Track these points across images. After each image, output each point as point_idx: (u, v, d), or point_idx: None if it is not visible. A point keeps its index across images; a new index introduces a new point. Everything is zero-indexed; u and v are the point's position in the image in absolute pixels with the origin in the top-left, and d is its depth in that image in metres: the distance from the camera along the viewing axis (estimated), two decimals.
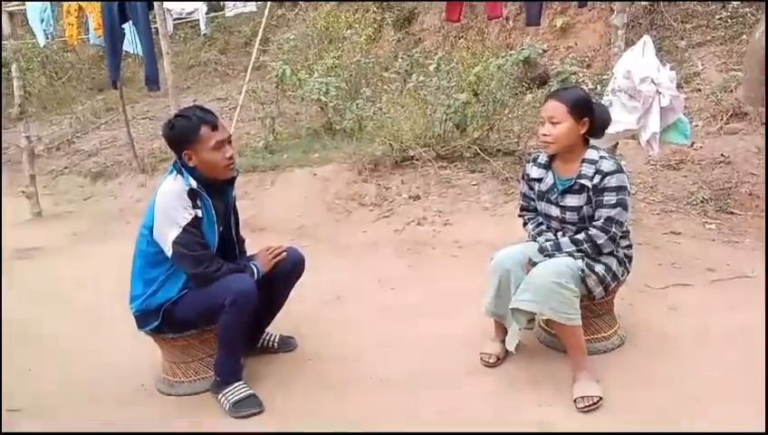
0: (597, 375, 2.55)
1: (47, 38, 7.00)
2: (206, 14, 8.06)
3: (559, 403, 2.47)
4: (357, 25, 8.03)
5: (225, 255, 2.73)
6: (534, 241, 2.79)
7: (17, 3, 6.42)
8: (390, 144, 5.35)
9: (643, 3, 6.75)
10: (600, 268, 2.62)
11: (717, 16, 6.46)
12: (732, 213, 4.16)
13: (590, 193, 2.61)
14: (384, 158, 5.39)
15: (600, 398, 2.43)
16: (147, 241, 2.61)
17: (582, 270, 2.59)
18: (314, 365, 2.94)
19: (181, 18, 8.22)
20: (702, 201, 4.27)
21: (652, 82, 3.25)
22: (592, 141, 2.71)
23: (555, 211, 2.72)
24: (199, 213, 2.57)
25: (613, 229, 2.57)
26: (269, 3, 6.81)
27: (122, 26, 5.71)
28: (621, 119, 3.34)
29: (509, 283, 2.68)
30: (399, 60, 7.17)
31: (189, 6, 7.83)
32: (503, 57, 5.69)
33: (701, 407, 2.38)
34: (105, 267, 4.17)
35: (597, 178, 2.59)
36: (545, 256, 2.64)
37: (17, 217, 6.12)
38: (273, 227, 4.98)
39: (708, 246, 3.85)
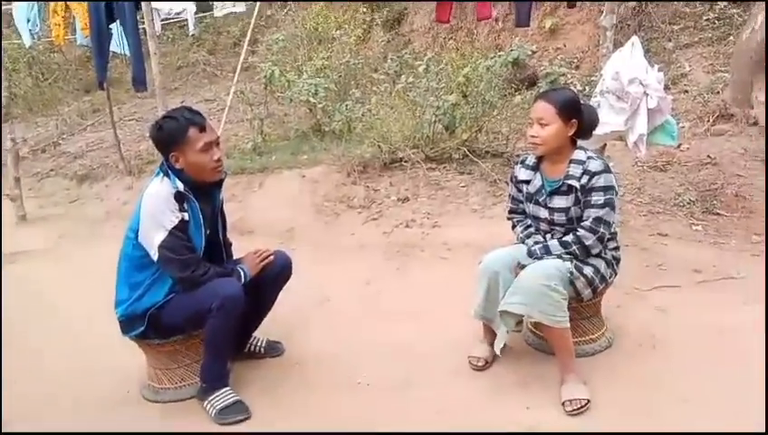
0: (585, 377, 2.56)
1: (33, 38, 6.92)
2: (195, 14, 8.02)
3: (547, 406, 2.47)
4: (346, 26, 8.01)
5: (212, 258, 2.71)
6: (523, 243, 2.80)
7: (3, 2, 6.35)
8: (379, 146, 5.34)
9: (631, 4, 6.78)
10: (588, 270, 2.62)
11: (705, 18, 6.50)
12: (718, 214, 4.18)
13: (578, 193, 2.61)
14: (373, 159, 5.38)
15: (588, 401, 2.43)
16: (132, 244, 2.58)
17: (571, 272, 2.59)
18: (301, 369, 2.92)
19: (169, 18, 8.16)
20: (688, 203, 4.29)
21: (640, 83, 3.26)
22: (580, 142, 2.71)
23: (544, 213, 2.72)
24: (186, 216, 2.55)
25: (601, 230, 2.58)
26: (258, 3, 6.77)
27: (109, 27, 5.67)
28: (609, 120, 3.35)
29: (498, 286, 2.68)
30: (389, 61, 7.16)
31: (178, 6, 7.78)
32: (492, 58, 5.70)
33: (689, 408, 2.39)
34: (91, 271, 4.10)
35: (585, 179, 2.59)
36: (534, 260, 2.64)
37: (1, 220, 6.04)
38: (261, 230, 4.94)
39: (695, 247, 3.87)
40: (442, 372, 2.79)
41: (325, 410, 2.60)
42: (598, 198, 2.57)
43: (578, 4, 6.18)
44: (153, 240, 2.49)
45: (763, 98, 4.88)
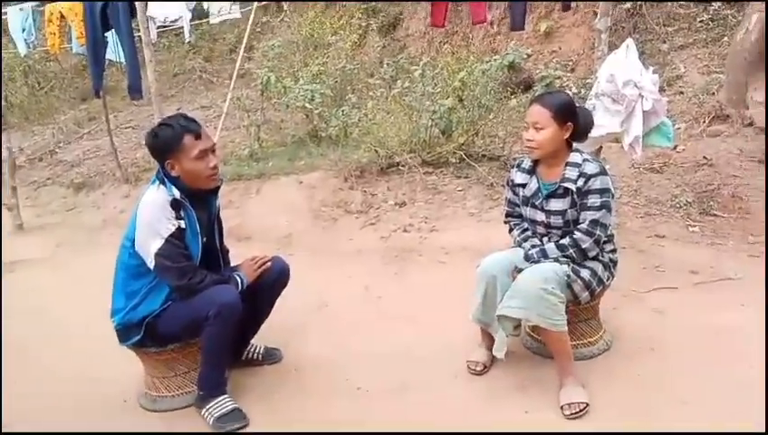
0: (583, 380, 2.55)
1: (28, 47, 6.94)
2: (190, 21, 8.02)
3: (546, 409, 2.47)
4: (342, 32, 8.02)
5: (209, 265, 2.70)
6: (520, 247, 2.80)
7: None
8: (376, 151, 5.34)
9: (625, 6, 6.80)
10: (585, 273, 2.62)
11: (699, 19, 6.51)
12: (715, 215, 4.18)
13: (575, 196, 2.61)
14: (370, 164, 5.38)
15: (587, 404, 2.43)
16: (129, 253, 2.58)
17: (568, 275, 2.59)
18: (299, 376, 2.92)
19: (165, 26, 8.17)
20: (685, 204, 4.29)
21: (635, 85, 3.27)
22: (576, 145, 2.72)
23: (540, 216, 2.72)
24: (182, 224, 2.54)
25: (598, 232, 2.58)
26: (253, 10, 6.78)
27: (105, 35, 5.67)
28: (604, 122, 3.36)
29: (495, 290, 2.67)
30: (384, 66, 7.17)
31: (173, 14, 7.80)
32: (487, 62, 5.71)
33: (688, 409, 2.38)
34: (88, 279, 4.09)
35: (581, 181, 2.59)
36: (531, 263, 2.64)
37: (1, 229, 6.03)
38: (258, 236, 4.94)
39: (692, 248, 3.87)
40: (440, 376, 2.79)
41: (323, 416, 2.59)
42: (594, 200, 2.57)
43: (572, 6, 6.20)
44: (149, 248, 2.49)
45: (759, 98, 4.89)
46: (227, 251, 2.96)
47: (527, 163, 2.79)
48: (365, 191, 5.20)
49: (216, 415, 2.54)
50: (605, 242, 2.68)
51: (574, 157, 2.65)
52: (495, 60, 5.75)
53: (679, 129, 5.06)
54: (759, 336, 2.78)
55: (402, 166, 5.26)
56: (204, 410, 2.57)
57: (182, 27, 6.81)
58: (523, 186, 2.78)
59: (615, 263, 2.76)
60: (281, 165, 5.92)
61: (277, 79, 6.60)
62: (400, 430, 2.43)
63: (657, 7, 6.79)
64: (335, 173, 5.45)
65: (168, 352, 2.67)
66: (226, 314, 2.49)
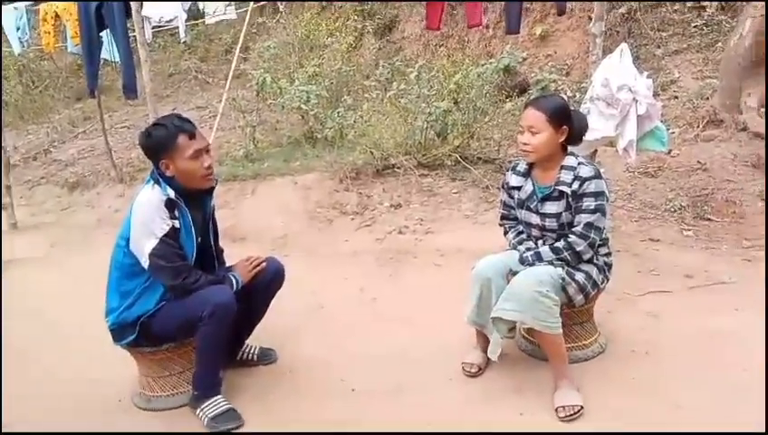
0: (578, 383, 2.56)
1: (23, 46, 6.90)
2: (186, 21, 7.99)
3: (540, 412, 2.48)
4: (338, 33, 8.03)
5: (204, 266, 2.69)
6: (515, 250, 2.80)
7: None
8: (371, 152, 5.35)
9: (620, 11, 6.83)
10: (580, 276, 2.63)
11: (693, 24, 6.55)
12: (709, 219, 4.21)
13: (570, 199, 2.62)
14: (365, 166, 5.38)
15: (582, 407, 2.43)
16: (123, 252, 2.57)
17: (563, 278, 2.59)
18: (294, 377, 2.91)
19: (160, 26, 8.15)
20: (679, 208, 4.31)
21: (629, 89, 3.28)
22: (571, 148, 2.73)
23: (535, 219, 2.72)
24: (177, 224, 2.54)
25: (592, 235, 2.58)
26: (250, 10, 6.77)
27: (100, 34, 5.65)
28: (599, 126, 3.36)
29: (490, 292, 2.67)
30: (380, 68, 7.18)
31: (168, 14, 7.77)
32: (483, 65, 5.73)
33: (683, 413, 2.39)
34: (83, 279, 4.07)
35: (576, 185, 2.60)
36: (526, 266, 2.65)
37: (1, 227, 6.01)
38: (253, 237, 4.93)
39: (686, 252, 3.89)
40: (435, 378, 2.79)
41: (318, 416, 2.59)
42: (589, 203, 2.58)
43: (567, 11, 6.22)
44: (144, 248, 2.48)
45: (752, 103, 4.93)
46: (222, 251, 2.95)
47: (522, 166, 2.80)
48: (360, 193, 5.20)
49: (210, 415, 2.53)
50: (600, 245, 2.69)
51: (569, 160, 2.66)
52: (491, 63, 5.78)
53: (673, 133, 5.08)
54: (753, 340, 2.80)
55: (398, 168, 5.27)
56: (198, 409, 2.56)
57: (177, 27, 6.79)
58: (519, 189, 2.79)
59: (610, 266, 2.77)
60: (276, 166, 5.92)
61: (273, 80, 6.61)
62: (395, 431, 2.43)
63: (652, 12, 6.83)
64: (330, 174, 5.45)
65: (162, 352, 2.66)
66: (221, 313, 2.48)
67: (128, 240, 2.53)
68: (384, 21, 8.80)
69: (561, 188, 2.62)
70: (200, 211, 2.70)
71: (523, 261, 2.68)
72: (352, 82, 7.12)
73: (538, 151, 2.62)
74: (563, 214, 2.65)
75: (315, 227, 4.99)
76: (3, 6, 6.48)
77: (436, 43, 8.13)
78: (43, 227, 6.14)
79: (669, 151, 4.80)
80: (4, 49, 8.27)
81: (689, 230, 4.13)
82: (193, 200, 2.62)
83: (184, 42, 9.17)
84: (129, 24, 5.59)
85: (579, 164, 2.63)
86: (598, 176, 2.61)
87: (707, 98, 5.43)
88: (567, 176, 2.62)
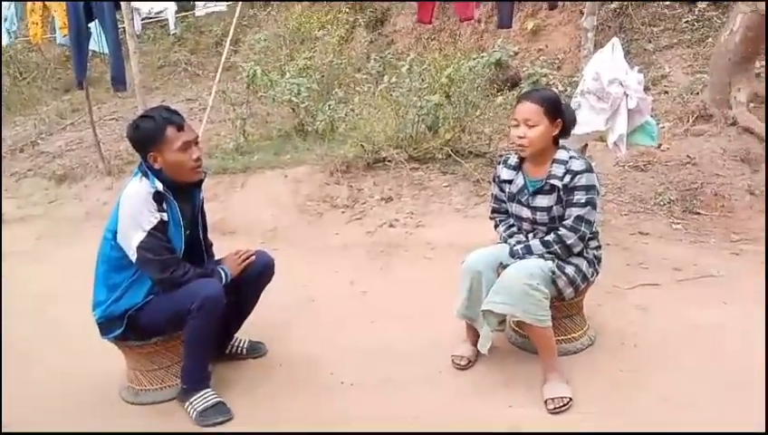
0: (567, 376, 2.57)
1: (10, 37, 6.82)
2: (176, 13, 7.93)
3: (530, 404, 2.48)
4: (329, 26, 7.99)
5: (193, 259, 2.67)
6: (506, 243, 2.80)
7: None
8: (362, 146, 5.33)
9: (612, 6, 6.84)
10: (570, 269, 2.63)
11: (684, 20, 6.57)
12: (698, 213, 4.23)
13: (561, 193, 2.62)
14: (356, 159, 5.36)
15: (570, 399, 2.44)
16: (110, 245, 2.55)
17: (553, 271, 2.60)
18: (284, 370, 2.90)
19: (150, 18, 8.08)
20: (669, 202, 4.33)
21: (620, 84, 3.28)
22: (562, 142, 2.72)
23: (526, 212, 2.72)
24: (165, 216, 2.52)
25: (582, 228, 2.59)
26: (240, 2, 6.72)
27: (88, 26, 5.59)
28: (590, 120, 3.36)
29: (480, 285, 2.67)
30: (372, 61, 7.15)
31: (158, 6, 7.70)
32: (474, 59, 5.71)
33: (670, 406, 2.40)
34: (70, 272, 4.03)
35: (567, 178, 2.59)
36: (516, 259, 2.65)
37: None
38: (243, 230, 4.91)
39: (675, 246, 3.91)
40: (425, 371, 2.79)
41: (308, 410, 2.58)
42: (579, 196, 2.58)
43: (559, 5, 6.22)
44: (131, 241, 2.46)
45: (742, 98, 4.95)
46: (211, 245, 2.93)
47: (513, 160, 2.80)
48: (351, 186, 5.19)
49: (198, 409, 2.52)
50: (590, 239, 2.69)
51: (561, 154, 2.66)
52: (482, 57, 5.76)
53: (663, 128, 5.10)
54: (741, 333, 2.82)
55: (388, 161, 5.25)
56: (187, 403, 2.55)
57: (167, 19, 6.74)
58: (510, 182, 2.79)
59: (599, 259, 2.77)
60: (266, 159, 5.88)
61: (263, 72, 6.56)
62: (385, 424, 2.43)
63: (643, 7, 6.84)
64: (321, 168, 5.43)
65: (150, 346, 2.64)
66: (210, 307, 2.47)
67: (115, 233, 2.51)
68: (376, 14, 8.76)
69: (552, 181, 2.62)
70: (189, 204, 2.68)
71: (513, 254, 2.68)
72: (343, 75, 7.09)
73: (534, 145, 2.60)
74: (554, 207, 2.65)
75: (305, 220, 4.97)
76: None
77: (428, 37, 8.11)
78: (29, 220, 6.08)
79: (659, 146, 4.81)
80: None
81: (678, 224, 4.15)
82: (181, 193, 2.60)
83: (174, 33, 9.10)
84: (118, 16, 5.53)
85: (570, 158, 2.63)
86: (589, 169, 2.61)
87: (697, 93, 5.44)
88: (558, 169, 2.62)
